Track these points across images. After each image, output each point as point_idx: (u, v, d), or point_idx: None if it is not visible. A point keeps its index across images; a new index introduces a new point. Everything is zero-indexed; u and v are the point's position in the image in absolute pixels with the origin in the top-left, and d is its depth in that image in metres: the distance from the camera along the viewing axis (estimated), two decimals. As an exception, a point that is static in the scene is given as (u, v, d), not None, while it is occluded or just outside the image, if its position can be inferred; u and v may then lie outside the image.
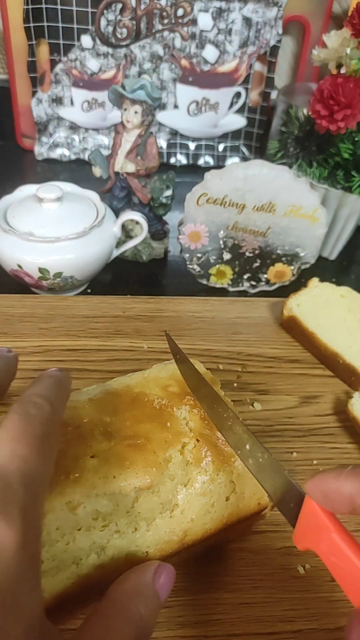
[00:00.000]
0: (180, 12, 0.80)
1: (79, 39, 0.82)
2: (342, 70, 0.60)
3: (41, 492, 0.22)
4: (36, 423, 0.23)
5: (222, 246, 0.60)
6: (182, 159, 0.94)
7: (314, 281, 0.58)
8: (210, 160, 0.94)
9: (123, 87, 0.57)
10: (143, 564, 0.26)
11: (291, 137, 0.66)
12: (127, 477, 0.29)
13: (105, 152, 0.63)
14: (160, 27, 0.81)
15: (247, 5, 0.79)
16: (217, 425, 0.31)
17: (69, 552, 0.28)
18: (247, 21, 0.81)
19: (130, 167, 0.61)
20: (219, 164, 0.94)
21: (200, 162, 0.94)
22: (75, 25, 0.81)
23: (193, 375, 0.34)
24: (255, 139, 0.92)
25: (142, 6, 0.79)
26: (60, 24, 0.81)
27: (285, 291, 0.60)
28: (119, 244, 0.63)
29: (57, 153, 0.91)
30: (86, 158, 0.90)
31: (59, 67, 0.85)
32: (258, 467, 0.28)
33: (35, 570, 0.20)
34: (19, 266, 0.54)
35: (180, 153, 0.93)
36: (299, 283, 0.61)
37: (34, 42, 0.81)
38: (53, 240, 0.53)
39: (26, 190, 0.60)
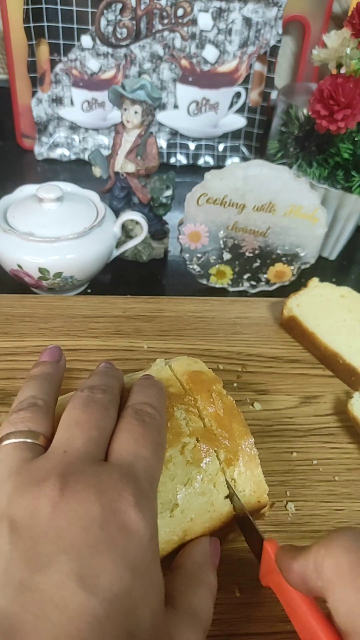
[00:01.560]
0: (180, 12, 0.80)
1: (79, 39, 0.82)
2: (342, 70, 0.60)
3: (156, 493, 0.26)
4: (153, 429, 0.27)
5: (222, 246, 0.60)
6: (182, 159, 0.94)
7: (314, 281, 0.58)
8: (210, 160, 0.94)
9: (123, 87, 0.57)
10: (199, 539, 0.30)
11: (291, 137, 0.66)
12: (127, 477, 0.29)
13: (105, 152, 0.63)
14: (160, 27, 0.81)
15: (247, 5, 0.79)
16: None
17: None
18: (247, 21, 0.81)
19: (130, 167, 0.61)
20: (219, 164, 0.94)
21: (200, 162, 0.94)
22: (75, 25, 0.81)
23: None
24: (255, 139, 0.92)
25: (142, 6, 0.79)
26: (60, 24, 0.81)
27: (285, 291, 0.60)
28: (119, 244, 0.63)
29: (57, 153, 0.91)
30: (86, 158, 0.90)
31: (59, 67, 0.85)
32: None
33: (158, 551, 0.24)
34: (19, 266, 0.54)
35: (180, 153, 0.93)
36: (299, 283, 0.61)
37: (34, 42, 0.81)
38: (53, 240, 0.53)
39: (26, 190, 0.60)
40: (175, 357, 0.39)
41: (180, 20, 0.80)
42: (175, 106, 0.89)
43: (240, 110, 0.90)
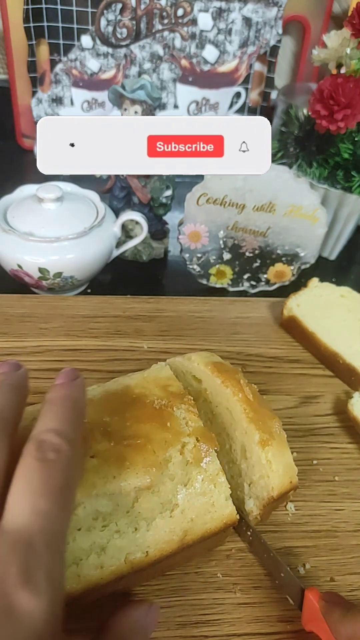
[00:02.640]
0: (180, 12, 0.80)
1: (79, 39, 0.82)
2: (342, 70, 0.60)
3: (63, 547, 0.21)
4: (57, 470, 0.22)
5: (222, 246, 0.60)
6: (182, 159, 0.94)
7: (314, 281, 0.58)
8: (210, 160, 0.94)
9: (123, 87, 0.57)
10: (138, 603, 0.28)
11: (291, 137, 0.66)
12: (127, 477, 0.29)
13: (105, 152, 0.62)
14: (160, 27, 0.81)
15: (247, 5, 0.79)
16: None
17: (69, 552, 0.28)
18: (247, 21, 0.81)
19: (130, 167, 0.61)
20: (219, 164, 0.94)
21: (200, 162, 0.94)
22: (75, 25, 0.81)
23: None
24: (255, 139, 0.92)
25: (142, 6, 0.79)
26: (60, 24, 0.81)
27: (285, 291, 0.60)
28: (119, 244, 0.63)
29: (57, 153, 0.91)
30: (86, 158, 0.90)
31: (59, 67, 0.85)
32: (268, 560, 0.34)
33: (60, 629, 0.20)
34: (19, 266, 0.54)
35: (180, 153, 0.93)
36: (299, 283, 0.61)
37: (34, 42, 0.81)
38: (53, 240, 0.53)
39: (26, 190, 0.60)
40: (175, 357, 0.39)
41: (180, 20, 0.80)
42: (175, 106, 0.89)
43: (240, 110, 0.90)
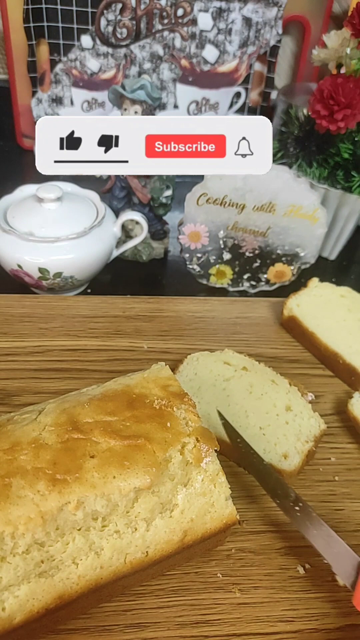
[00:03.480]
0: (180, 12, 0.80)
1: (79, 39, 0.82)
2: (342, 70, 0.60)
3: None
4: None
5: (222, 246, 0.60)
6: (182, 159, 0.94)
7: (314, 281, 0.58)
8: (210, 160, 0.94)
9: (123, 87, 0.57)
10: None
11: (291, 137, 0.66)
12: (127, 477, 0.29)
13: (105, 152, 0.62)
14: (160, 27, 0.81)
15: (247, 5, 0.79)
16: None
17: (68, 552, 0.28)
18: (247, 21, 0.81)
19: (130, 167, 0.61)
20: (219, 164, 0.94)
21: (200, 162, 0.94)
22: (75, 25, 0.81)
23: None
24: (255, 139, 0.92)
25: (142, 6, 0.79)
26: (60, 24, 0.81)
27: (285, 291, 0.60)
28: (119, 244, 0.63)
29: (57, 153, 0.91)
30: (86, 158, 0.90)
31: (59, 67, 0.85)
32: (318, 537, 0.33)
33: None
34: (19, 266, 0.54)
35: (180, 153, 0.93)
36: (299, 283, 0.61)
37: (34, 42, 0.81)
38: (53, 240, 0.53)
39: (26, 190, 0.60)
40: (175, 357, 0.39)
41: (180, 20, 0.80)
42: (175, 106, 0.89)
43: (240, 110, 0.90)
